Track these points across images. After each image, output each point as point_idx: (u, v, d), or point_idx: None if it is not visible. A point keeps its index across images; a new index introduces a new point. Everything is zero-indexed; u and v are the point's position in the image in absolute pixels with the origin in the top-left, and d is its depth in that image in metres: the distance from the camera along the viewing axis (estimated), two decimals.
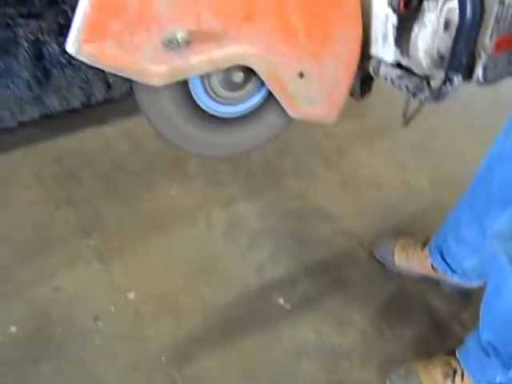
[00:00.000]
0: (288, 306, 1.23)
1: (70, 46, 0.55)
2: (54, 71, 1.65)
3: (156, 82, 0.60)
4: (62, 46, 1.62)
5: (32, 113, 1.75)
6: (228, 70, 0.68)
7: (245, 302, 1.24)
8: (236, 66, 0.67)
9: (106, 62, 0.56)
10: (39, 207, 1.49)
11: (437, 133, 1.91)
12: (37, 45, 1.58)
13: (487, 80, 0.67)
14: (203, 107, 0.73)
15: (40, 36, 1.56)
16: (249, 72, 0.69)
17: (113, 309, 1.19)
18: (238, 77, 0.70)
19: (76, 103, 1.84)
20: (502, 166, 1.01)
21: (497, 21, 0.61)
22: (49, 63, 1.62)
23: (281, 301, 1.24)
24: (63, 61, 1.64)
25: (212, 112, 0.75)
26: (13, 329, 1.14)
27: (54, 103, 1.76)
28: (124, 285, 1.25)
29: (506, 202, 0.99)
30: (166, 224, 1.44)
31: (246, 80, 0.72)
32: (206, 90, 0.71)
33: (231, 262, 1.34)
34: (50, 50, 1.60)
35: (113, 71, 0.58)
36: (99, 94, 1.88)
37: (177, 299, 1.23)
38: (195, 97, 0.71)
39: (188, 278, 1.28)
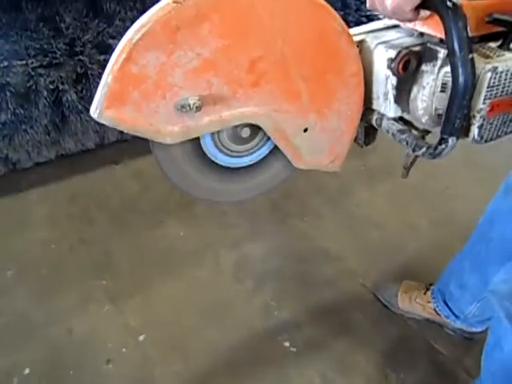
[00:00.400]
0: (293, 349, 1.25)
1: (94, 112, 0.60)
2: (71, 117, 1.74)
3: (170, 140, 0.65)
4: (79, 93, 1.71)
5: (48, 154, 1.83)
6: (236, 127, 0.73)
7: (251, 345, 1.27)
8: (243, 123, 0.72)
9: (125, 125, 0.61)
10: (53, 248, 1.54)
11: (437, 172, 1.96)
12: (56, 93, 1.67)
13: (483, 139, 0.70)
14: (214, 159, 0.77)
15: (59, 85, 1.65)
16: (255, 127, 0.74)
17: (124, 350, 1.23)
18: (246, 132, 0.75)
19: (90, 144, 1.93)
20: (501, 221, 1.05)
21: (489, 87, 0.65)
22: (66, 110, 1.71)
23: (286, 344, 1.27)
24: (80, 107, 1.73)
25: (221, 163, 0.79)
26: (26, 370, 1.17)
27: (69, 145, 1.85)
28: (135, 326, 1.29)
29: (504, 258, 1.03)
30: (175, 265, 1.49)
31: (253, 134, 0.77)
32: (216, 145, 0.75)
33: (238, 303, 1.37)
34: (69, 97, 1.69)
35: (131, 133, 0.62)
36: (112, 135, 1.96)
37: (185, 340, 1.26)
38: (206, 151, 0.75)
39: (196, 319, 1.32)
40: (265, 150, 0.81)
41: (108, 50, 1.72)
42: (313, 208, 1.79)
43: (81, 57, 1.68)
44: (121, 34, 1.81)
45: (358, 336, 1.30)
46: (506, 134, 0.74)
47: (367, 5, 0.70)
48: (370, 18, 2.67)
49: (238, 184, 0.85)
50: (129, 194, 1.82)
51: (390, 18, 0.67)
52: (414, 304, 1.32)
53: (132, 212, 1.72)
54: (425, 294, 1.32)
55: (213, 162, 0.77)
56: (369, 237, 1.67)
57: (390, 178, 1.98)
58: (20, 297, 1.36)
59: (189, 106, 0.61)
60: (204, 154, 0.75)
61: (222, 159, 0.78)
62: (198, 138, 0.71)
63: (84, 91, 1.72)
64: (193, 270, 1.48)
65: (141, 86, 0.59)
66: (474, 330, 1.26)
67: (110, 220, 1.68)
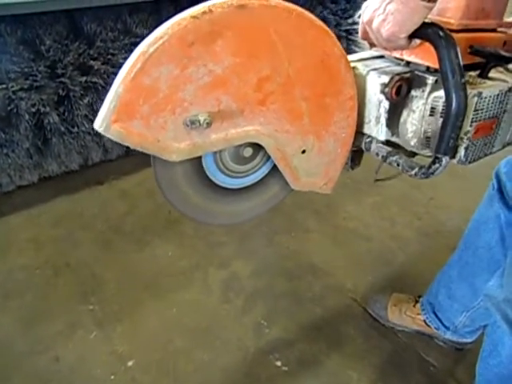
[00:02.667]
0: (285, 368, 1.24)
1: (99, 125, 0.57)
2: (54, 139, 1.72)
3: (175, 157, 0.64)
4: (61, 115, 1.70)
5: (31, 177, 1.80)
6: (238, 146, 0.74)
7: (243, 366, 1.25)
8: (246, 143, 0.73)
9: (132, 141, 0.59)
10: (38, 273, 1.51)
11: (422, 183, 1.99)
12: (37, 116, 1.65)
13: (468, 160, 0.75)
14: (213, 179, 0.78)
15: (41, 107, 1.64)
16: (257, 147, 0.75)
17: (113, 377, 1.20)
18: (248, 152, 0.76)
19: (74, 166, 1.91)
20: (486, 230, 1.08)
21: (475, 110, 0.70)
22: (49, 132, 1.70)
23: (278, 363, 1.26)
24: (62, 129, 1.72)
25: (220, 184, 0.79)
26: None
27: (52, 167, 1.82)
28: (123, 352, 1.26)
29: (491, 266, 1.05)
30: (163, 287, 1.47)
31: (254, 155, 0.78)
32: (217, 164, 0.76)
33: (228, 323, 1.36)
34: (50, 119, 1.68)
35: (137, 148, 0.61)
36: (96, 156, 1.95)
37: (175, 364, 1.24)
38: (207, 170, 0.76)
39: (186, 342, 1.30)
40: (262, 172, 0.82)
41: (90, 72, 1.72)
42: (300, 223, 1.80)
43: (62, 79, 1.67)
44: (102, 56, 1.81)
45: (349, 351, 1.30)
46: (485, 155, 0.79)
47: (359, 36, 0.74)
48: (349, 32, 2.74)
49: (234, 206, 0.85)
50: (114, 214, 1.80)
51: (383, 46, 0.70)
52: (404, 317, 1.33)
53: (118, 233, 1.70)
54: (414, 306, 1.33)
55: (212, 182, 0.78)
56: (357, 250, 1.68)
57: (376, 190, 2.00)
58: (4, 325, 1.32)
59: (199, 122, 0.61)
60: (204, 173, 0.76)
61: (221, 179, 0.78)
62: (199, 157, 0.71)
63: (66, 113, 1.71)
64: (181, 291, 1.46)
65: (151, 100, 0.58)
66: (464, 340, 1.26)
67: (95, 242, 1.65)
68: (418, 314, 1.31)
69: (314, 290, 1.49)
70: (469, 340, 1.26)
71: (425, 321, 1.29)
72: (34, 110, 1.62)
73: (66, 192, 1.90)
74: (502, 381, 0.92)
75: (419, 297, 1.35)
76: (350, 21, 2.59)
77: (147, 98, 0.58)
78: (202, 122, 0.61)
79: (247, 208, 0.86)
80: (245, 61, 0.62)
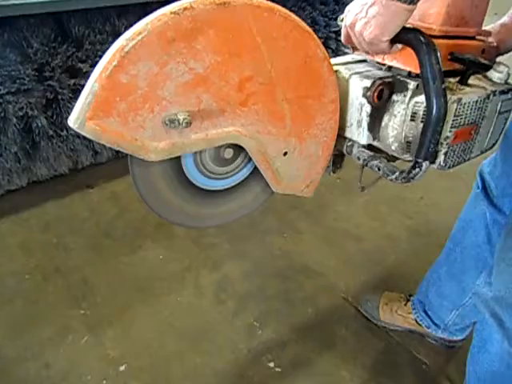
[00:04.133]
0: (278, 369, 1.24)
1: (74, 122, 0.55)
2: (42, 143, 1.70)
3: (153, 157, 0.62)
4: (49, 119, 1.69)
5: (19, 181, 1.78)
6: (219, 147, 0.73)
7: (235, 367, 1.25)
8: (227, 144, 0.72)
9: (108, 139, 0.57)
10: (27, 278, 1.49)
11: (412, 183, 2.00)
12: (25, 119, 1.63)
13: (447, 165, 0.76)
14: (193, 181, 0.76)
15: (29, 111, 1.62)
16: (237, 149, 0.74)
17: (104, 382, 1.19)
18: (228, 153, 0.75)
19: (63, 169, 1.89)
20: (473, 228, 1.09)
21: (455, 116, 0.71)
22: (37, 136, 1.68)
23: (271, 364, 1.26)
24: (51, 132, 1.70)
25: (200, 185, 0.78)
26: None
27: (41, 171, 1.81)
28: (115, 357, 1.25)
29: (481, 263, 1.06)
30: (155, 290, 1.46)
31: (235, 156, 0.77)
32: (197, 165, 0.75)
33: (221, 326, 1.36)
34: (39, 123, 1.66)
35: (113, 147, 0.59)
36: (86, 159, 1.93)
37: (168, 368, 1.24)
38: (186, 171, 0.74)
39: (179, 345, 1.29)
40: (243, 174, 0.81)
41: (78, 74, 1.70)
42: (291, 223, 1.80)
43: (50, 82, 1.65)
44: (91, 58, 1.80)
45: (342, 351, 1.30)
46: (464, 160, 0.80)
47: (342, 40, 0.74)
48: (339, 34, 2.75)
49: (213, 209, 0.84)
50: (105, 218, 1.79)
51: (366, 50, 0.70)
52: (396, 316, 1.34)
53: (109, 237, 1.69)
54: (405, 305, 1.34)
55: (191, 183, 0.76)
56: (348, 250, 1.68)
57: (367, 191, 2.01)
58: None
59: (178, 121, 0.59)
60: (183, 174, 0.74)
61: (201, 181, 0.77)
62: (178, 158, 0.70)
63: (55, 116, 1.69)
64: (173, 295, 1.45)
65: (129, 97, 0.56)
66: (455, 338, 1.28)
67: (86, 246, 1.64)
68: (409, 313, 1.32)
69: (305, 291, 1.49)
70: (459, 338, 1.27)
71: (416, 319, 1.30)
72: (21, 113, 1.61)
73: (55, 196, 1.89)
74: (491, 377, 0.93)
75: (410, 295, 1.36)
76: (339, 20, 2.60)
77: (124, 95, 0.56)
78: (181, 122, 0.59)
79: (226, 211, 0.85)
80: (226, 59, 0.60)
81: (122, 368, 1.22)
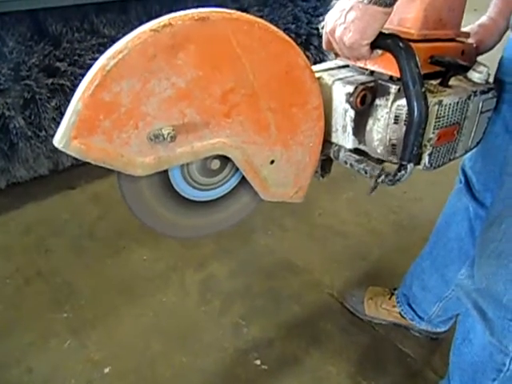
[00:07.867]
0: (265, 367, 1.24)
1: (59, 142, 0.55)
2: (20, 143, 1.67)
3: (141, 172, 0.63)
4: (27, 119, 1.65)
5: None
6: (206, 159, 0.73)
7: (222, 367, 1.24)
8: (213, 155, 0.72)
9: (94, 157, 0.57)
10: (8, 282, 1.46)
11: (397, 185, 2.02)
12: (2, 120, 1.60)
13: (432, 166, 0.77)
14: (181, 193, 0.76)
15: (5, 111, 1.59)
16: (224, 160, 0.74)
17: None
18: (215, 164, 0.75)
19: (43, 171, 1.86)
20: (456, 222, 1.11)
21: (437, 118, 0.72)
22: (14, 136, 1.64)
23: (257, 362, 1.25)
24: (29, 133, 1.67)
25: (188, 197, 0.78)
26: None
27: (20, 173, 1.77)
28: (99, 359, 1.23)
29: (464, 256, 1.08)
30: (139, 291, 1.45)
31: (221, 167, 0.77)
32: (184, 177, 0.75)
33: (207, 325, 1.35)
34: (16, 123, 1.63)
35: (100, 164, 0.59)
36: (66, 160, 1.90)
37: (154, 368, 1.22)
38: (174, 184, 0.74)
39: (164, 346, 1.28)
40: (231, 185, 0.82)
41: (56, 73, 1.67)
42: (276, 220, 1.80)
43: (27, 81, 1.62)
44: (69, 57, 1.77)
45: (328, 347, 1.31)
46: (449, 160, 0.81)
47: (323, 46, 0.75)
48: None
49: (204, 219, 0.84)
50: (87, 219, 1.76)
51: (346, 55, 0.71)
52: (380, 310, 1.35)
53: (91, 239, 1.66)
54: (390, 298, 1.35)
55: (180, 195, 0.76)
56: (333, 246, 1.69)
57: (351, 185, 2.02)
58: None
59: (163, 136, 0.60)
60: (172, 187, 0.74)
61: (189, 192, 0.77)
62: (166, 171, 0.70)
63: (33, 116, 1.66)
64: (158, 295, 1.44)
65: (113, 115, 0.57)
66: (438, 330, 1.29)
67: (68, 249, 1.61)
68: (394, 307, 1.33)
69: (291, 288, 1.49)
70: (443, 329, 1.29)
71: (400, 313, 1.31)
72: None
73: (35, 198, 1.85)
74: (474, 367, 0.94)
75: (395, 289, 1.37)
76: (321, 18, 2.61)
77: (108, 113, 0.56)
78: (166, 136, 0.60)
79: (217, 220, 0.85)
80: (208, 73, 0.61)
81: (107, 370, 1.21)
